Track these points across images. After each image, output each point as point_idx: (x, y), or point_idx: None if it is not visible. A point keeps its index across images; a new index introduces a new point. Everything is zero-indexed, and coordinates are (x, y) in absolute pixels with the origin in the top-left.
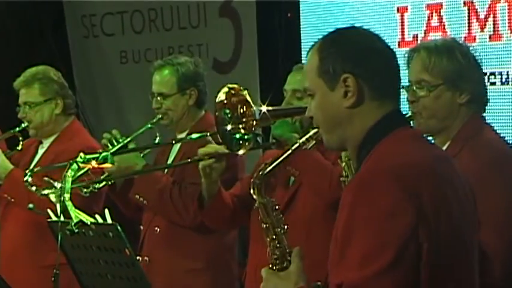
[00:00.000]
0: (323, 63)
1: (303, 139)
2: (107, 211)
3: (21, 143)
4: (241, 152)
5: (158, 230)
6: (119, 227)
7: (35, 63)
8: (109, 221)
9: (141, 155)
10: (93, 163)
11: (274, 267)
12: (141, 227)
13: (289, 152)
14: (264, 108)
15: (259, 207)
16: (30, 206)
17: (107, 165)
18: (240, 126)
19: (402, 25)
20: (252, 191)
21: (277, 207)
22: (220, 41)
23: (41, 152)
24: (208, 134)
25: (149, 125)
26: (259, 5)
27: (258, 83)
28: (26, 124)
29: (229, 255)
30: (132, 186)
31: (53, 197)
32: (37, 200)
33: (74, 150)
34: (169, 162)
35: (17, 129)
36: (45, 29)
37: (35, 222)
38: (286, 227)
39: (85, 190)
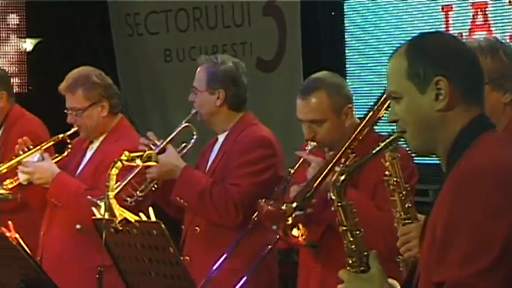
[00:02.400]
0: (413, 66)
1: (385, 142)
2: (151, 209)
3: (68, 148)
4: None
5: (198, 229)
6: (162, 225)
7: (80, 63)
8: (153, 219)
9: (179, 155)
10: (138, 161)
11: (352, 270)
12: (183, 227)
13: (370, 155)
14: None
15: (337, 210)
16: (78, 227)
17: (152, 163)
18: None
19: (447, 24)
20: (331, 193)
21: (354, 210)
22: (264, 40)
23: (89, 153)
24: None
25: (184, 123)
26: (303, 4)
27: (301, 81)
28: (75, 128)
29: (270, 254)
30: (172, 187)
31: (97, 213)
32: (83, 208)
33: (122, 150)
34: (209, 162)
35: (66, 133)
36: (90, 28)
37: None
38: (362, 230)
39: (129, 200)
